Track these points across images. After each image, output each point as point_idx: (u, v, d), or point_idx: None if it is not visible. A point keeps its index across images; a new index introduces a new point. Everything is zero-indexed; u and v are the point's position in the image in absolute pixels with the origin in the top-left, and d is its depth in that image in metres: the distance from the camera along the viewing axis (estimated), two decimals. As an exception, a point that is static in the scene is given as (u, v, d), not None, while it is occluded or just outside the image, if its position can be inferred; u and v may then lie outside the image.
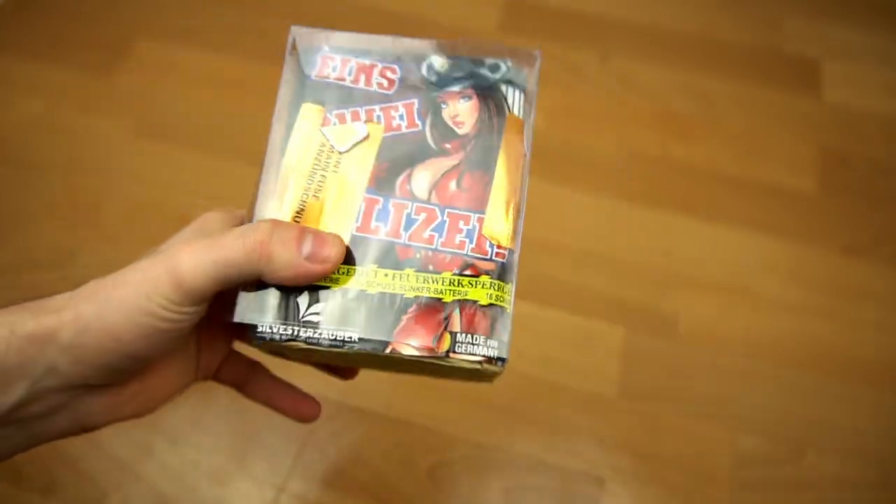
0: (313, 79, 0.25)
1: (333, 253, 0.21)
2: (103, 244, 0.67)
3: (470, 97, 0.24)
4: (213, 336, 0.27)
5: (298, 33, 0.26)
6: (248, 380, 0.28)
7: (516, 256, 0.23)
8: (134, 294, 0.20)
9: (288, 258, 0.21)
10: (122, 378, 0.22)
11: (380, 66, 0.24)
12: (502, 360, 0.22)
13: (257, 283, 0.22)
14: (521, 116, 0.24)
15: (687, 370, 0.59)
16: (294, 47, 0.25)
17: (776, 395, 0.58)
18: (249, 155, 0.72)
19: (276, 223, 0.21)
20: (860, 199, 0.71)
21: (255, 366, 0.28)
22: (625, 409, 0.57)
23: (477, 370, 0.22)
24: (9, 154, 0.73)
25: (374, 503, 0.53)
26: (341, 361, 0.26)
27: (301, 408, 0.28)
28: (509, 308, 0.22)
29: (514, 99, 0.24)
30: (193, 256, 0.20)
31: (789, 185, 0.72)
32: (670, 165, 0.73)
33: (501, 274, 0.22)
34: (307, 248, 0.21)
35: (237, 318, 0.22)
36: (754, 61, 0.81)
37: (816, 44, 0.83)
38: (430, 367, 0.22)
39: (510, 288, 0.22)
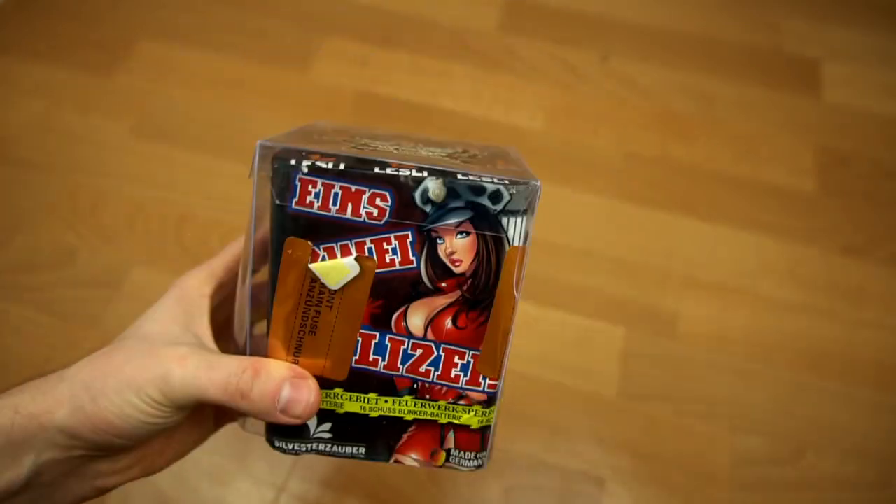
0: (294, 209, 0.22)
1: (306, 412, 0.23)
2: (103, 244, 0.67)
3: (468, 233, 0.22)
4: None
5: (265, 151, 0.22)
6: None
7: (502, 382, 0.25)
8: (126, 387, 0.22)
9: (264, 409, 0.22)
10: (121, 451, 0.24)
11: (368, 192, 0.22)
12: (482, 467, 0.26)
13: None
14: (520, 245, 0.23)
15: (687, 370, 0.59)
16: (263, 167, 0.23)
17: (776, 395, 0.58)
18: (249, 155, 0.72)
19: (258, 370, 0.22)
20: (860, 200, 0.71)
21: None
22: (625, 409, 0.57)
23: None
24: (9, 154, 0.73)
25: (374, 503, 0.53)
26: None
27: None
28: (493, 422, 0.25)
29: (514, 230, 0.23)
30: (184, 372, 0.22)
31: (789, 185, 0.72)
32: (670, 165, 0.73)
33: (490, 402, 0.25)
34: (283, 402, 0.22)
35: (248, 430, 0.26)
36: (754, 61, 0.82)
37: (816, 44, 0.83)
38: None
39: (496, 408, 0.25)
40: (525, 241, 0.23)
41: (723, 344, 0.61)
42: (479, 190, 0.22)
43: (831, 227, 0.69)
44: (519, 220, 0.22)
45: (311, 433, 0.24)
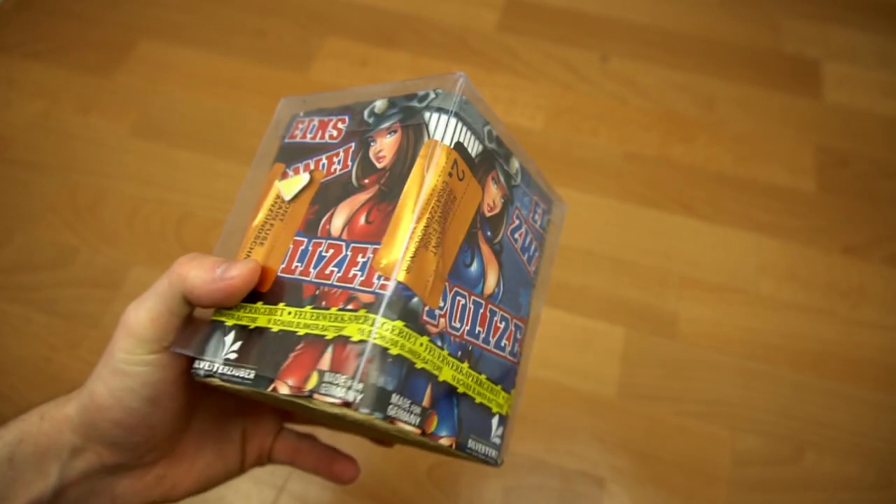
0: (286, 142, 0.26)
1: (239, 270, 0.22)
2: (103, 244, 0.67)
3: (395, 131, 0.23)
4: (258, 424, 0.28)
5: (284, 104, 0.27)
6: (299, 452, 0.30)
7: (399, 289, 0.20)
8: (105, 361, 0.22)
9: (202, 276, 0.22)
10: (136, 456, 0.24)
11: (334, 119, 0.25)
12: (374, 410, 0.18)
13: (205, 323, 0.23)
14: (441, 140, 0.22)
15: (687, 370, 0.59)
16: (279, 119, 0.26)
17: (776, 395, 0.58)
18: (248, 155, 0.72)
19: (196, 254, 0.23)
20: (860, 199, 0.71)
21: (304, 438, 0.30)
22: (625, 409, 0.57)
23: (342, 414, 0.19)
24: (9, 154, 0.73)
25: (374, 503, 0.53)
26: (273, 404, 0.25)
27: (335, 468, 0.30)
28: (394, 350, 0.19)
29: (437, 125, 0.22)
30: (136, 305, 0.23)
31: (789, 185, 0.72)
32: (670, 165, 0.73)
33: (379, 307, 0.19)
34: (220, 270, 0.22)
35: (174, 348, 0.23)
36: (754, 62, 0.82)
37: (816, 44, 0.83)
38: (347, 418, 0.20)
39: (389, 325, 0.19)
40: (452, 144, 0.22)
41: (723, 344, 0.61)
42: (411, 96, 0.23)
43: (831, 227, 0.69)
44: (444, 117, 0.22)
45: (224, 351, 0.22)
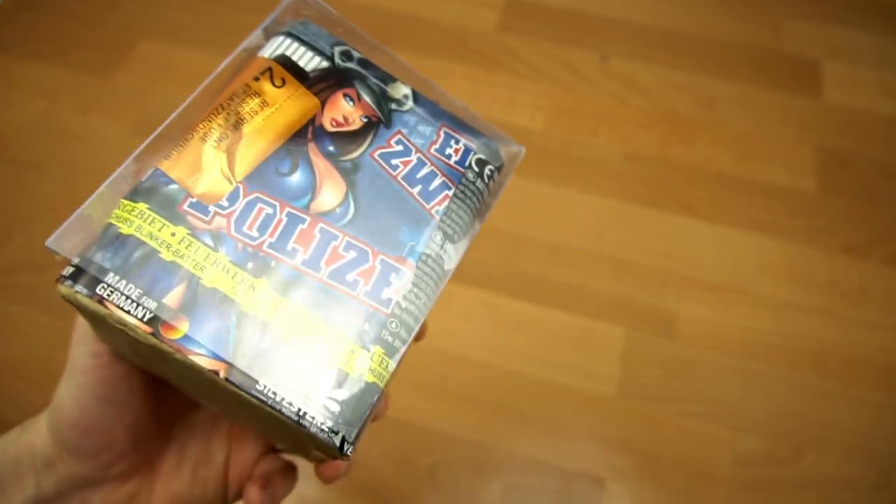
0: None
1: None
2: (103, 244, 0.66)
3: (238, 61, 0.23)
4: (242, 449, 0.26)
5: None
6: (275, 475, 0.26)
7: (145, 182, 0.18)
8: (68, 361, 0.21)
9: None
10: (100, 466, 0.22)
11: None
12: (83, 286, 0.17)
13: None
14: (264, 55, 0.21)
15: (687, 370, 0.59)
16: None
17: (776, 395, 0.58)
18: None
19: None
20: (860, 199, 0.71)
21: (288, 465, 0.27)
22: (625, 409, 0.57)
23: (64, 297, 0.17)
24: (9, 154, 0.73)
25: (374, 503, 0.53)
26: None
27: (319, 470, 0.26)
28: (127, 229, 0.18)
29: (269, 44, 0.22)
30: None
31: (789, 185, 0.72)
32: (670, 165, 0.73)
33: (130, 193, 0.18)
34: None
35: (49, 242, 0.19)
36: (754, 62, 0.82)
37: (816, 44, 0.83)
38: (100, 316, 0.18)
39: (126, 205, 0.18)
40: (271, 56, 0.22)
41: (723, 344, 0.61)
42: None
43: (831, 227, 0.68)
44: (277, 38, 0.22)
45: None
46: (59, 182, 0.71)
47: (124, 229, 0.18)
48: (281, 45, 0.21)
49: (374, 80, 0.23)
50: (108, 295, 0.17)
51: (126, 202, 0.18)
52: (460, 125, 0.24)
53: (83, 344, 0.21)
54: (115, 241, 0.17)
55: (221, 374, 0.17)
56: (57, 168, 0.72)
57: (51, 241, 0.17)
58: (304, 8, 0.22)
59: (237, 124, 0.20)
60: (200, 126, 0.20)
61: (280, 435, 0.21)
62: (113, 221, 0.18)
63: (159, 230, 0.18)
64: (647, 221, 0.69)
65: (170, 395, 0.25)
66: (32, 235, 0.67)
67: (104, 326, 0.19)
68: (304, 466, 0.28)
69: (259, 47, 0.22)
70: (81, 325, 0.21)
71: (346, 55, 0.22)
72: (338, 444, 0.17)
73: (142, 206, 0.18)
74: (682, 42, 0.83)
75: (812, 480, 0.54)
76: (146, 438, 0.23)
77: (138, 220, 0.18)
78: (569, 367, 0.59)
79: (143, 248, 0.18)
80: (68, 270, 0.17)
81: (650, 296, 0.64)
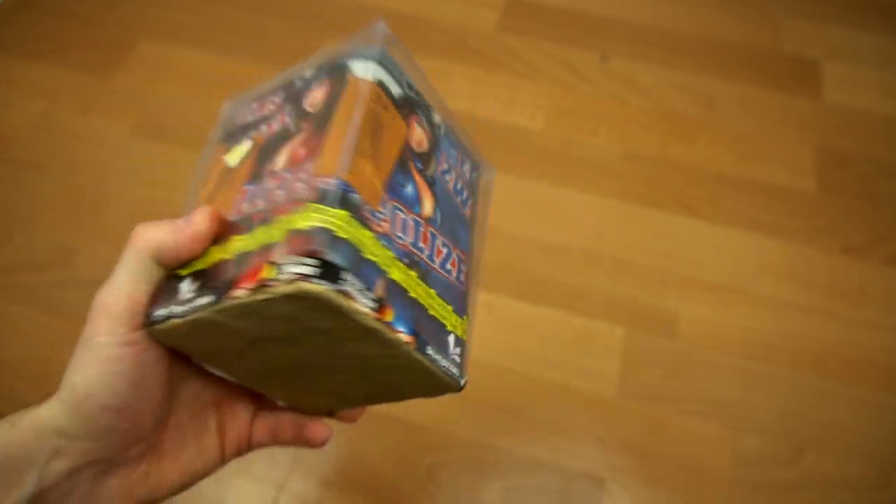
0: (228, 128, 0.28)
1: (200, 214, 0.23)
2: (103, 244, 0.67)
3: (323, 83, 0.25)
4: (233, 413, 0.28)
5: (228, 105, 0.29)
6: (278, 426, 0.29)
7: (333, 185, 0.21)
8: (82, 351, 0.22)
9: (167, 230, 0.23)
10: (123, 447, 0.23)
11: (269, 97, 0.28)
12: (329, 282, 0.19)
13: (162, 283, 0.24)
14: (364, 77, 0.24)
15: (687, 370, 0.60)
16: (222, 114, 0.29)
17: (776, 395, 0.58)
18: (249, 155, 0.72)
19: (149, 221, 0.24)
20: (859, 199, 0.71)
21: (282, 412, 0.29)
22: (625, 409, 0.57)
23: (300, 293, 0.19)
24: (9, 154, 0.73)
25: (374, 502, 0.53)
26: (235, 360, 0.25)
27: (307, 433, 0.29)
28: (341, 233, 0.20)
29: (358, 67, 0.24)
30: (108, 287, 0.23)
31: (789, 185, 0.72)
32: (670, 165, 0.73)
33: (323, 199, 0.21)
34: (181, 221, 0.23)
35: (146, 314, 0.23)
36: (754, 61, 0.82)
37: (816, 44, 0.83)
38: (293, 320, 0.21)
39: (333, 212, 0.20)
40: (373, 80, 0.24)
41: (723, 344, 0.61)
42: (337, 57, 0.26)
43: (831, 227, 0.69)
44: (364, 62, 0.24)
45: (181, 294, 0.22)
46: (59, 182, 0.71)
47: (340, 233, 0.20)
48: (376, 71, 0.24)
49: (423, 109, 0.27)
50: (350, 290, 0.20)
51: (334, 210, 0.20)
52: (465, 150, 0.29)
53: (111, 334, 0.22)
54: (337, 243, 0.20)
55: (413, 346, 0.22)
56: (57, 168, 0.72)
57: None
58: (390, 40, 0.26)
59: (374, 142, 0.23)
60: (353, 139, 0.22)
61: (379, 386, 0.25)
62: (328, 227, 0.20)
63: (359, 233, 0.21)
64: (647, 221, 0.69)
65: (176, 370, 0.26)
66: (32, 235, 0.67)
67: (225, 328, 0.22)
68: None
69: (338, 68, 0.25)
70: (106, 318, 0.22)
71: (410, 85, 0.26)
72: (463, 384, 0.24)
73: (344, 213, 0.21)
74: (682, 42, 0.83)
75: (812, 480, 0.54)
76: (162, 419, 0.25)
77: (346, 226, 0.20)
78: (569, 367, 0.59)
79: (355, 249, 0.20)
80: (314, 270, 0.19)
81: (650, 295, 0.64)
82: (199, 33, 0.83)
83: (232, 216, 0.23)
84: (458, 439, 0.56)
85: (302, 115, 0.25)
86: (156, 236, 0.23)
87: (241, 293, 0.20)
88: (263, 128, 0.26)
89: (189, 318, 0.21)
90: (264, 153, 0.25)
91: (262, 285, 0.19)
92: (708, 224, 0.68)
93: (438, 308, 0.23)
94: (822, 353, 0.61)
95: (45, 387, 0.58)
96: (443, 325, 0.23)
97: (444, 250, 0.25)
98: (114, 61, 0.80)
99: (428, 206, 0.25)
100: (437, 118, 0.27)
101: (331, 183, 0.21)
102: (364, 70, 0.24)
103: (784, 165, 0.73)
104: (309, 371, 0.25)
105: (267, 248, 0.20)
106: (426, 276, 0.23)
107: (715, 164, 0.73)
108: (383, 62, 0.25)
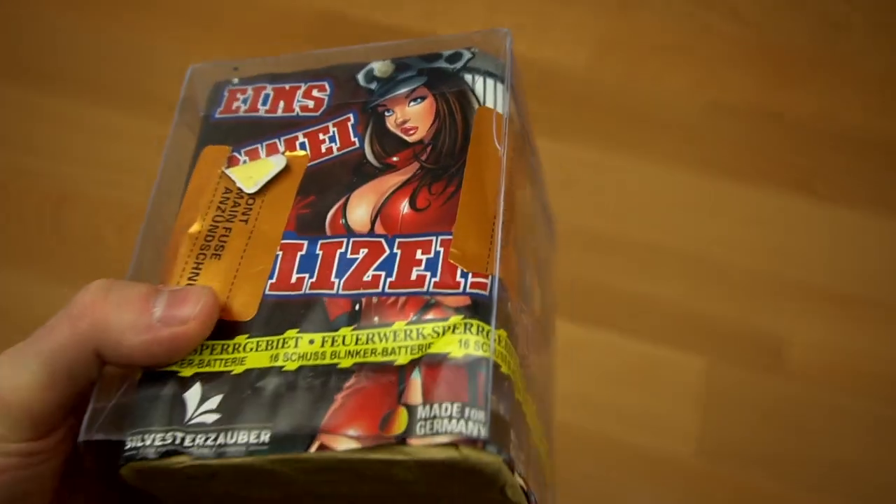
0: (216, 118, 0.27)
1: (198, 308, 0.21)
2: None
3: (423, 97, 0.25)
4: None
5: (195, 71, 0.28)
6: None
7: (496, 291, 0.21)
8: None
9: (132, 321, 0.21)
10: None
11: (304, 86, 0.27)
12: (492, 444, 0.19)
13: (128, 382, 0.22)
14: (497, 109, 0.24)
15: (796, 420, 0.60)
16: (190, 90, 0.28)
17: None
18: (165, 109, 0.71)
19: (112, 281, 0.22)
20: None
21: None
22: (706, 474, 0.58)
23: (456, 463, 0.19)
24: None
25: None
26: (260, 492, 0.23)
27: None
28: (504, 368, 0.21)
29: (483, 89, 0.25)
30: (10, 364, 0.21)
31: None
32: (772, 122, 0.72)
33: (481, 310, 0.21)
34: (160, 307, 0.21)
35: (83, 436, 0.21)
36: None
37: None
38: (396, 482, 0.20)
39: (497, 334, 0.21)
40: (504, 111, 0.25)
41: (851, 381, 0.61)
42: (433, 56, 0.26)
43: None
44: (489, 81, 0.25)
45: (188, 416, 0.21)
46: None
47: (504, 369, 0.20)
48: (507, 100, 0.25)
49: (533, 152, 0.30)
50: (517, 456, 0.20)
51: (495, 331, 0.21)
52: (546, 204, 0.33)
53: (4, 440, 0.21)
54: (503, 384, 0.20)
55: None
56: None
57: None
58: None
59: (512, 215, 0.24)
60: (502, 220, 0.23)
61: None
62: (494, 359, 0.20)
63: (514, 362, 0.21)
64: (740, 204, 0.68)
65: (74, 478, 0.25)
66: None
67: (268, 477, 0.21)
68: None
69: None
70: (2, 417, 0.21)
71: (524, 115, 0.28)
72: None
73: (504, 334, 0.21)
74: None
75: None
76: None
77: (507, 354, 0.21)
78: (625, 412, 0.60)
79: (514, 390, 0.21)
80: (482, 430, 0.19)
81: (745, 311, 0.63)
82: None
83: (272, 286, 0.23)
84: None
85: (391, 141, 0.24)
86: (113, 324, 0.21)
87: (348, 445, 0.19)
88: (301, 138, 0.25)
89: (219, 463, 0.20)
90: (318, 188, 0.24)
91: (394, 442, 0.19)
92: (832, 208, 0.68)
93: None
94: None
95: None
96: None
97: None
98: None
99: (538, 300, 0.25)
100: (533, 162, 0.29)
101: (489, 285, 0.21)
102: (492, 96, 0.25)
103: (937, 121, 0.72)
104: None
105: (375, 373, 0.20)
106: (531, 383, 0.24)
107: (842, 120, 0.72)
108: (514, 88, 0.25)
